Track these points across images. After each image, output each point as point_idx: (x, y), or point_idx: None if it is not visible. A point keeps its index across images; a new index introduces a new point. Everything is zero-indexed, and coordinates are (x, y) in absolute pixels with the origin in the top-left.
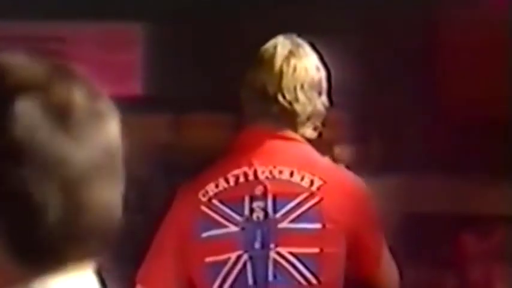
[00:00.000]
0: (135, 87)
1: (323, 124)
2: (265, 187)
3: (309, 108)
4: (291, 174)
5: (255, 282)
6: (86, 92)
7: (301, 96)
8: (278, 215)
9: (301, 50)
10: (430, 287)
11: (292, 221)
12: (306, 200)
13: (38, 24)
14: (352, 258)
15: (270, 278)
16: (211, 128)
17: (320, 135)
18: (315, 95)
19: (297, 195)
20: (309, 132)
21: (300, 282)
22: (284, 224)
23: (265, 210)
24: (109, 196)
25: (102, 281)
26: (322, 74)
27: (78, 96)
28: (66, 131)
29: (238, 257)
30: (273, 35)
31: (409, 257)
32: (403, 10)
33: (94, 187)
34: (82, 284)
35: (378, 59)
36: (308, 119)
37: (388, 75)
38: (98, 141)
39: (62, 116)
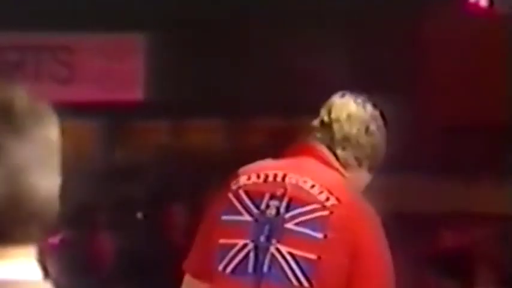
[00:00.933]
0: (137, 94)
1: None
2: (285, 189)
3: (348, 132)
4: (312, 186)
5: (254, 270)
6: (26, 97)
7: (343, 120)
8: (287, 215)
9: (360, 98)
10: (412, 284)
11: (298, 224)
12: (316, 210)
13: (46, 34)
14: (350, 278)
15: (265, 269)
16: (208, 133)
17: None
18: (361, 127)
19: (310, 203)
20: (345, 156)
21: (291, 282)
22: (290, 225)
23: (278, 208)
24: (48, 186)
25: (44, 267)
26: (378, 123)
27: (19, 98)
28: (9, 124)
29: (245, 245)
30: (269, 44)
31: (394, 256)
32: (390, 9)
33: (35, 177)
34: (23, 268)
35: (365, 59)
36: (344, 140)
37: (374, 76)
38: (38, 136)
39: (4, 111)
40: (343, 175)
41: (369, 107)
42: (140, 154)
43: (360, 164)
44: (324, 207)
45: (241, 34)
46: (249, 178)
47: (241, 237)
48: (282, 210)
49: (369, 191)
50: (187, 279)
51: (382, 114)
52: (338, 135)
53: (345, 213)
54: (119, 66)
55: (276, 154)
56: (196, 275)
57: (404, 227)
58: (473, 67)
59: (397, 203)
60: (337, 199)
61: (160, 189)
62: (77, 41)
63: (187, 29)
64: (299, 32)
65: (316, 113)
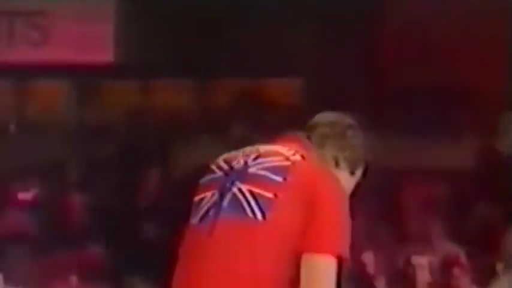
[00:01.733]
0: (108, 55)
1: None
2: (257, 151)
3: (332, 132)
4: (281, 148)
5: (216, 209)
6: None
7: (332, 126)
8: (253, 163)
9: (346, 118)
10: (371, 239)
11: (261, 169)
12: (280, 160)
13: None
14: (305, 225)
15: (224, 205)
16: (177, 93)
17: None
18: (342, 141)
19: (276, 155)
20: (327, 151)
21: (246, 214)
22: (253, 170)
23: (246, 161)
24: None
25: None
26: (354, 142)
27: None
28: None
29: (213, 195)
30: (238, 7)
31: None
32: None
33: None
34: None
35: (326, 20)
36: (328, 137)
37: (335, 36)
38: None
39: None
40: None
41: (349, 119)
42: (111, 114)
43: (337, 164)
44: (287, 159)
45: None
46: (229, 153)
47: (210, 190)
48: (249, 162)
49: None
50: None
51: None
52: (317, 135)
53: (307, 167)
54: (91, 29)
55: (243, 114)
56: None
57: (366, 184)
58: (433, 29)
59: None
60: (303, 157)
61: (130, 148)
62: (50, 6)
63: None
64: None
65: (281, 74)
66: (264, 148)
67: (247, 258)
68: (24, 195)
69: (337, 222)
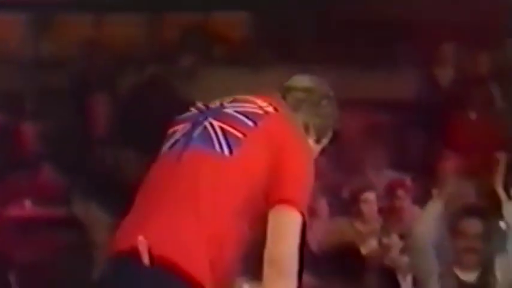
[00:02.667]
0: None
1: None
2: (234, 98)
3: (309, 98)
4: (256, 98)
5: (186, 138)
6: None
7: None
8: (228, 105)
9: (322, 85)
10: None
11: (235, 111)
12: (254, 108)
13: None
14: (271, 170)
15: (194, 135)
16: (129, 27)
17: None
18: (314, 108)
19: (251, 103)
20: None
21: (214, 147)
22: (227, 110)
23: (222, 102)
24: None
25: None
26: (326, 111)
27: None
28: None
29: (185, 127)
30: None
31: None
32: None
33: None
34: None
35: None
36: (303, 101)
37: None
38: None
39: None
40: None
41: (326, 88)
42: (64, 46)
43: (307, 131)
44: (261, 108)
45: None
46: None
47: (184, 123)
48: (225, 103)
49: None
50: None
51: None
52: (292, 99)
53: (279, 119)
54: None
55: (194, 47)
56: None
57: None
58: None
59: None
60: (276, 109)
61: (82, 80)
62: None
63: None
64: None
65: (232, 8)
66: (241, 96)
67: (210, 188)
68: None
69: (302, 177)
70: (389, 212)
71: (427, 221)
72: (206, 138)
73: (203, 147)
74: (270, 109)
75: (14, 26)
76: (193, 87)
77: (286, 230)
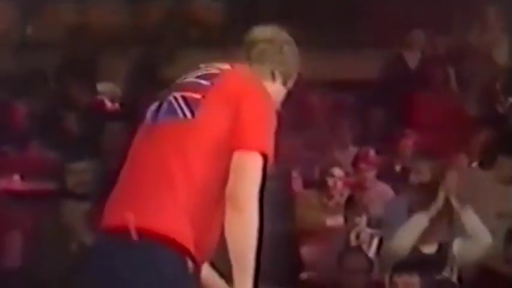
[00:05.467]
0: None
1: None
2: (201, 65)
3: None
4: (217, 64)
5: (155, 116)
6: None
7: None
8: (190, 75)
9: (282, 32)
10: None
11: (195, 77)
12: (212, 69)
13: None
14: (232, 122)
15: (161, 112)
16: (111, 13)
17: None
18: (278, 55)
19: (212, 68)
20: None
21: (178, 115)
22: (188, 79)
23: (186, 77)
24: None
25: None
26: (289, 56)
27: None
28: None
29: (154, 105)
30: None
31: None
32: None
33: None
34: None
35: None
36: (264, 53)
37: None
38: None
39: None
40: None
41: (284, 34)
42: (50, 31)
43: (273, 78)
44: (219, 69)
45: None
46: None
47: (155, 103)
48: (188, 76)
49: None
50: None
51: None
52: (255, 52)
53: (235, 73)
54: None
55: (172, 33)
56: None
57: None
58: None
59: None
60: (232, 66)
61: (67, 63)
62: None
63: None
64: None
65: None
66: (207, 64)
67: (179, 154)
68: None
69: (261, 121)
70: (355, 187)
71: (410, 234)
72: (171, 110)
73: (169, 118)
74: (227, 67)
75: (3, 11)
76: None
77: (246, 170)
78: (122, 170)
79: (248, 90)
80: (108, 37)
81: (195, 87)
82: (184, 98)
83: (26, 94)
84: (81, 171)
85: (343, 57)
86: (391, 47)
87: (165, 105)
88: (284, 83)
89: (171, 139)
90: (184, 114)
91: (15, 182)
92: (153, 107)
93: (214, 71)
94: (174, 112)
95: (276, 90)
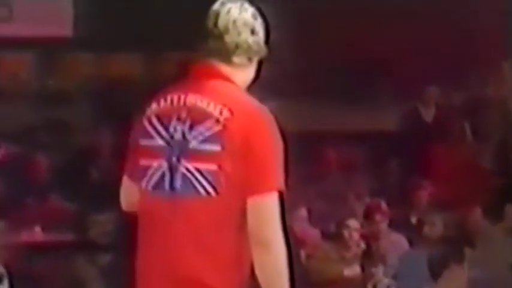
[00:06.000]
0: (67, 30)
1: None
2: (187, 111)
3: (238, 39)
4: (208, 104)
5: (170, 187)
6: None
7: (231, 28)
8: (191, 136)
9: (239, 2)
10: (303, 199)
11: (200, 142)
12: (212, 126)
13: None
14: (247, 175)
15: (177, 186)
16: (129, 65)
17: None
18: (247, 31)
19: (207, 120)
20: (240, 60)
21: (200, 193)
22: (193, 144)
23: (183, 132)
24: None
25: None
26: (259, 21)
27: None
28: None
29: (160, 165)
30: None
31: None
32: None
33: None
34: None
35: None
36: (237, 47)
37: None
38: None
39: None
40: (232, 81)
41: (249, 8)
42: (70, 84)
43: (250, 61)
44: (218, 122)
45: None
46: (158, 103)
47: (156, 158)
48: (186, 132)
49: None
50: (125, 178)
51: (259, 10)
52: (231, 45)
53: (237, 123)
54: (51, 6)
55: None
56: (130, 177)
57: (291, 147)
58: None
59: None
60: (230, 111)
61: (87, 114)
62: None
63: None
64: None
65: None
66: (194, 107)
67: (212, 230)
68: None
69: (272, 159)
70: (369, 237)
71: None
72: (189, 185)
73: (191, 196)
74: (226, 115)
75: (25, 65)
76: None
77: (266, 212)
78: (143, 236)
79: (255, 134)
80: (127, 89)
81: (207, 156)
82: (200, 171)
83: (48, 146)
84: (104, 222)
85: (360, 109)
86: (407, 101)
87: (178, 178)
88: (250, 59)
89: (201, 216)
90: (207, 192)
91: (38, 234)
92: (158, 166)
93: (216, 127)
94: (194, 189)
95: (252, 70)
